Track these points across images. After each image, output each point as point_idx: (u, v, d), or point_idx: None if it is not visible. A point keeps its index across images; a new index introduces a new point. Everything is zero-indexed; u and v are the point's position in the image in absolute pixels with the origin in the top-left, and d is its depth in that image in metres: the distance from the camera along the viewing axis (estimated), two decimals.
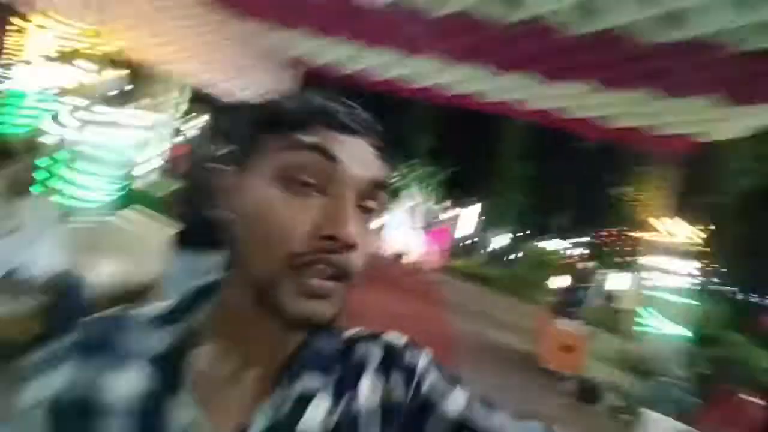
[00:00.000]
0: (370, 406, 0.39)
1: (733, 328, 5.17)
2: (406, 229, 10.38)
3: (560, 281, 4.61)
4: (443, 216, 10.71)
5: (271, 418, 0.36)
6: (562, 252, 15.38)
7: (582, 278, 4.87)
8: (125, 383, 0.35)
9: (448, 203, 11.78)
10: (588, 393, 3.99)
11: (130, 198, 5.80)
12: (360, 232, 0.35)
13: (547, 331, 4.31)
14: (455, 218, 14.25)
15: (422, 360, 0.42)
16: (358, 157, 0.35)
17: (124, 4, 3.06)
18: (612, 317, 9.23)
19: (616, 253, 10.33)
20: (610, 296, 9.81)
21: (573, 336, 4.22)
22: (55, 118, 3.61)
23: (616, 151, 9.44)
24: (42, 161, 3.32)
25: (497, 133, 12.46)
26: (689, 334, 4.72)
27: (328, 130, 0.35)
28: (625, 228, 10.17)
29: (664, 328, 4.82)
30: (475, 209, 15.29)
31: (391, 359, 0.41)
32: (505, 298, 8.94)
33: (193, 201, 1.98)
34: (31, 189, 1.96)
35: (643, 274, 4.82)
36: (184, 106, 6.86)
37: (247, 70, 4.86)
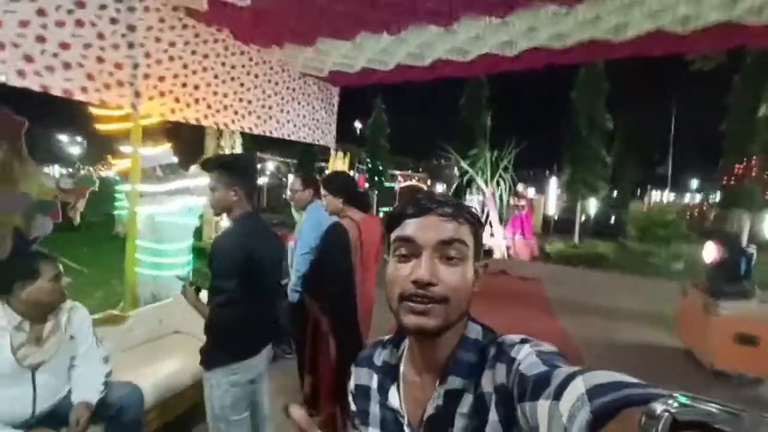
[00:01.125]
0: (488, 390, 0.57)
1: None
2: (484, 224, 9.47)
3: (708, 248, 3.48)
4: (520, 201, 9.58)
5: (435, 408, 0.60)
6: (675, 204, 12.80)
7: (734, 238, 3.68)
8: (374, 377, 0.70)
9: (522, 186, 10.59)
10: None
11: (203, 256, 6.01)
12: (440, 274, 0.58)
13: (709, 319, 3.23)
14: (534, 200, 12.93)
15: (524, 351, 0.55)
16: (429, 228, 0.60)
17: (155, 69, 3.00)
18: None
19: (763, 188, 8.08)
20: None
21: (753, 322, 3.09)
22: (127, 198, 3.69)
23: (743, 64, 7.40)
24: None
25: (562, 94, 10.99)
26: None
27: (409, 218, 0.62)
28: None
29: None
30: (555, 183, 13.68)
31: (500, 354, 0.58)
32: (622, 278, 7.52)
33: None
34: (60, 304, 1.74)
35: None
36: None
37: (288, 102, 4.72)
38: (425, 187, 18.46)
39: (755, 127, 7.84)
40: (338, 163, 5.97)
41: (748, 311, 3.11)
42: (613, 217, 16.35)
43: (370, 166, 14.65)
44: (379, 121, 14.42)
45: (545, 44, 3.39)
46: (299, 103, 5.06)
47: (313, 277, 2.01)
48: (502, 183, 9.68)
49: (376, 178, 14.37)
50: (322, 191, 2.14)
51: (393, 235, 0.62)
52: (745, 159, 8.25)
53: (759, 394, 3.09)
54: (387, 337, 0.71)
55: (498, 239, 9.07)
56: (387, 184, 16.98)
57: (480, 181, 9.74)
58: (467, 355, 0.60)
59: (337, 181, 2.14)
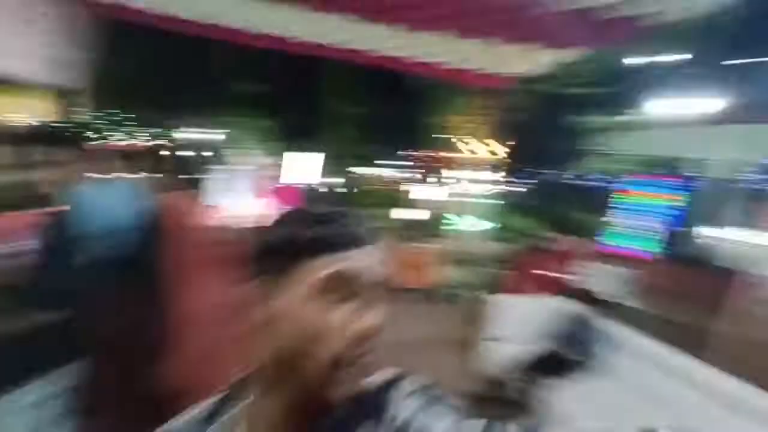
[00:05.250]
0: None
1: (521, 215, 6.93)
2: (237, 194, 9.37)
3: (403, 212, 5.31)
4: (271, 171, 10.05)
5: None
6: (385, 178, 17.37)
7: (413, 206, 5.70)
8: None
9: (279, 157, 11.10)
10: (432, 295, 5.16)
11: None
12: None
13: (398, 256, 5.05)
14: (293, 171, 13.76)
15: (396, 395, 0.48)
16: None
17: None
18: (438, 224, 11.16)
19: (431, 171, 12.26)
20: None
21: (417, 256, 5.22)
22: None
23: (434, 87, 10.59)
24: None
25: (319, 76, 12.13)
26: (492, 227, 6.17)
27: None
28: (437, 150, 11.98)
29: (474, 226, 6.13)
30: (307, 158, 14.98)
31: (373, 401, 0.47)
32: None
33: None
34: None
35: (455, 186, 5.96)
36: None
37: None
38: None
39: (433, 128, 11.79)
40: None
41: (417, 249, 5.16)
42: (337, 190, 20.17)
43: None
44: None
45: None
46: None
47: None
48: (262, 151, 9.88)
49: None
50: None
51: None
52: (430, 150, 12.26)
53: (422, 296, 5.19)
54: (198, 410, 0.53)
55: (253, 208, 9.34)
56: None
57: (241, 147, 9.56)
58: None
59: None
